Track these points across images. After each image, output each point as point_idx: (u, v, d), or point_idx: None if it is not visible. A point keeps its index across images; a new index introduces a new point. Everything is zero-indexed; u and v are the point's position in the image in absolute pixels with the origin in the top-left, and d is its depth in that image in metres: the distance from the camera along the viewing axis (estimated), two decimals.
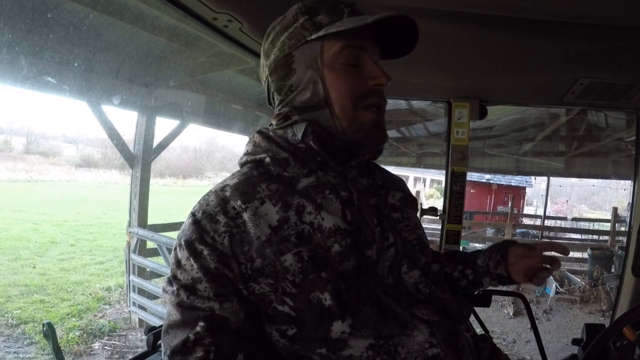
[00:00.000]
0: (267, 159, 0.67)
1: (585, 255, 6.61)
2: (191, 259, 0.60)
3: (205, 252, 0.60)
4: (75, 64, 3.29)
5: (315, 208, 0.64)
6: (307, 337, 0.61)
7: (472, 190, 11.71)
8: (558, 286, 5.40)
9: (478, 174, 11.20)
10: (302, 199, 0.64)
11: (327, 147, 0.67)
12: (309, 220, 0.63)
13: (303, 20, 0.67)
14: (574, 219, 11.59)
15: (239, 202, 0.63)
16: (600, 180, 11.23)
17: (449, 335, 0.65)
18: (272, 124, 0.73)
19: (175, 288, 0.61)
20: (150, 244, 4.47)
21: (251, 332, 0.62)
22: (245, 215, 0.62)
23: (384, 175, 0.80)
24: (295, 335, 0.62)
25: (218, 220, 0.61)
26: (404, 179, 0.87)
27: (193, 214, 0.64)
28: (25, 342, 3.88)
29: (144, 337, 1.00)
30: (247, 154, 0.71)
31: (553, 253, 0.82)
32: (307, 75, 0.67)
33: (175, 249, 0.63)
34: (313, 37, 0.66)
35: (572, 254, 7.18)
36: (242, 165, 0.72)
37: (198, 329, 0.58)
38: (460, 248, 0.79)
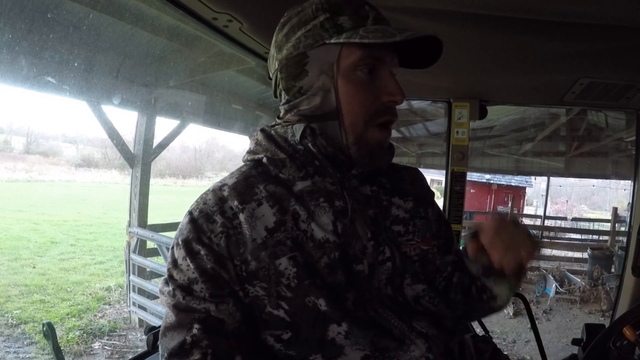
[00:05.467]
0: (265, 159, 0.65)
1: (585, 255, 6.62)
2: (188, 258, 0.60)
3: (202, 252, 0.60)
4: (75, 64, 3.29)
5: (308, 216, 0.62)
6: (303, 340, 0.60)
7: (472, 190, 11.69)
8: (558, 286, 5.40)
9: (478, 174, 11.19)
10: (297, 205, 0.62)
11: (327, 154, 0.64)
12: (303, 228, 0.61)
13: (324, 18, 0.61)
14: (574, 219, 11.58)
15: (236, 203, 0.62)
16: (600, 180, 11.22)
17: (447, 349, 0.65)
18: (274, 123, 0.70)
19: (171, 288, 0.60)
20: (150, 244, 4.47)
21: (248, 334, 0.61)
22: (242, 217, 0.61)
23: (395, 180, 0.73)
24: (291, 339, 0.61)
25: (215, 220, 0.61)
26: None
27: (190, 213, 0.63)
28: (25, 342, 3.88)
29: (144, 337, 1.00)
30: (248, 152, 0.69)
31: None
32: (320, 80, 0.62)
33: (172, 248, 0.63)
34: (333, 41, 0.60)
35: (572, 254, 7.20)
36: (244, 162, 0.70)
37: (194, 331, 0.57)
38: (460, 247, 0.76)
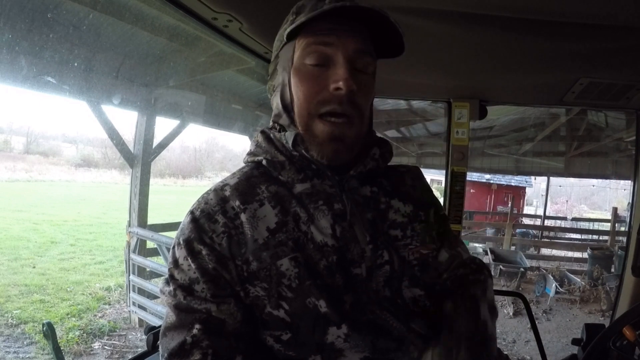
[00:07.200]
0: (264, 162, 0.66)
1: (585, 255, 6.62)
2: (189, 258, 0.60)
3: (203, 252, 0.60)
4: (75, 64, 3.29)
5: (308, 219, 0.62)
6: (302, 342, 0.60)
7: (472, 190, 11.70)
8: (558, 286, 5.40)
9: (478, 174, 11.19)
10: (297, 207, 0.63)
11: None
12: (304, 229, 0.62)
13: (290, 20, 0.64)
14: (574, 219, 11.59)
15: (237, 203, 0.62)
16: (600, 180, 11.23)
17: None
18: (271, 126, 0.71)
19: (172, 288, 0.60)
20: (150, 244, 4.47)
21: (249, 335, 0.61)
22: (243, 217, 0.61)
23: (396, 182, 0.72)
24: (290, 340, 0.61)
25: (217, 220, 0.61)
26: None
27: (192, 212, 0.63)
28: (25, 342, 3.88)
29: (144, 337, 1.00)
30: (249, 153, 0.70)
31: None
32: (282, 77, 0.65)
33: (174, 247, 0.62)
34: (285, 36, 0.63)
35: (572, 254, 7.20)
36: (245, 163, 0.71)
37: (195, 331, 0.57)
38: (459, 250, 0.75)
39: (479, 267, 0.74)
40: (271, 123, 0.70)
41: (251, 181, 0.65)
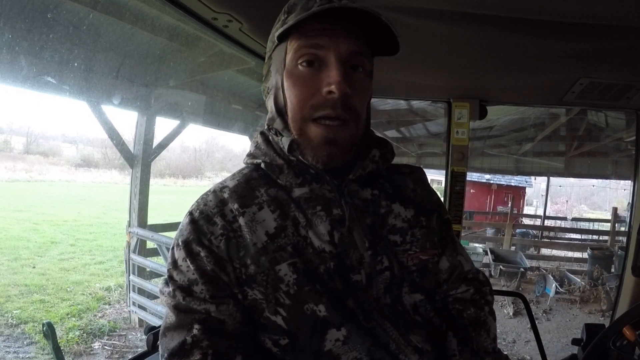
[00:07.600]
0: (263, 164, 0.65)
1: (585, 255, 6.62)
2: (188, 260, 0.60)
3: (202, 254, 0.60)
4: (75, 64, 3.29)
5: (306, 224, 0.61)
6: (300, 348, 0.60)
7: (472, 190, 11.70)
8: (558, 286, 5.40)
9: (478, 174, 11.19)
10: (296, 211, 0.62)
11: None
12: (303, 234, 0.61)
13: (282, 19, 0.63)
14: (574, 219, 11.59)
15: (236, 206, 0.62)
16: (600, 180, 11.23)
17: None
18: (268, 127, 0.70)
19: (171, 289, 0.60)
20: (150, 244, 4.47)
21: (248, 335, 0.61)
22: (242, 220, 0.61)
23: (397, 184, 0.70)
24: (288, 346, 0.61)
25: (215, 222, 0.61)
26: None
27: (190, 213, 0.63)
28: (25, 342, 3.88)
29: (144, 337, 1.00)
30: (249, 154, 0.69)
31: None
32: (275, 79, 0.63)
33: (173, 248, 0.62)
34: (275, 38, 0.61)
35: (572, 254, 7.20)
36: (245, 164, 0.70)
37: (195, 331, 0.57)
38: (461, 254, 0.74)
39: (481, 283, 0.75)
40: (266, 126, 0.69)
41: (250, 184, 0.65)
